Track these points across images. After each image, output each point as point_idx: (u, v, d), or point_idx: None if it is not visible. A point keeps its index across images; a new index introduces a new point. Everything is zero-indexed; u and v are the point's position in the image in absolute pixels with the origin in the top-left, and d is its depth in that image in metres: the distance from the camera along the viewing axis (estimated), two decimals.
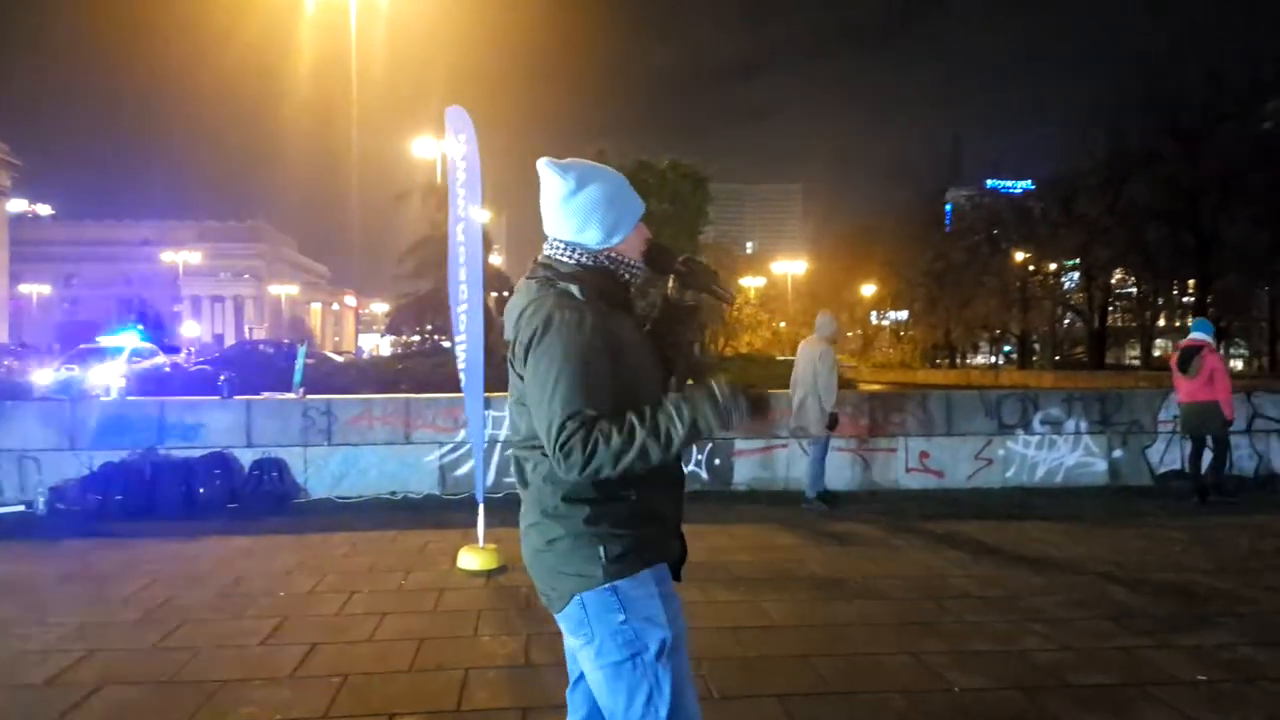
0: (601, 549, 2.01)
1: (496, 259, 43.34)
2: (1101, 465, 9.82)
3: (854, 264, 63.86)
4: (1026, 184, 59.69)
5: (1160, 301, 48.91)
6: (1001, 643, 4.56)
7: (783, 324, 63.68)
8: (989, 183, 62.91)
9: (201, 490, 8.36)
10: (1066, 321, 51.88)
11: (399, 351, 35.83)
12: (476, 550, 6.09)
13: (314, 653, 4.42)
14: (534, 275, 2.12)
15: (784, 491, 9.01)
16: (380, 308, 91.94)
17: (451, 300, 6.29)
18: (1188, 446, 9.07)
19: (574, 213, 2.09)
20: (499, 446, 8.93)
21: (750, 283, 61.25)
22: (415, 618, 5.02)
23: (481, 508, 6.25)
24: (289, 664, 4.25)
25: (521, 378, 2.04)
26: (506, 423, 8.92)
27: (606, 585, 2.01)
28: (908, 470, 9.72)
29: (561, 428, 1.89)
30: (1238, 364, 54.52)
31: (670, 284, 2.28)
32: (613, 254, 2.13)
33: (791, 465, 9.26)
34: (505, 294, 40.75)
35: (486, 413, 8.47)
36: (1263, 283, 31.74)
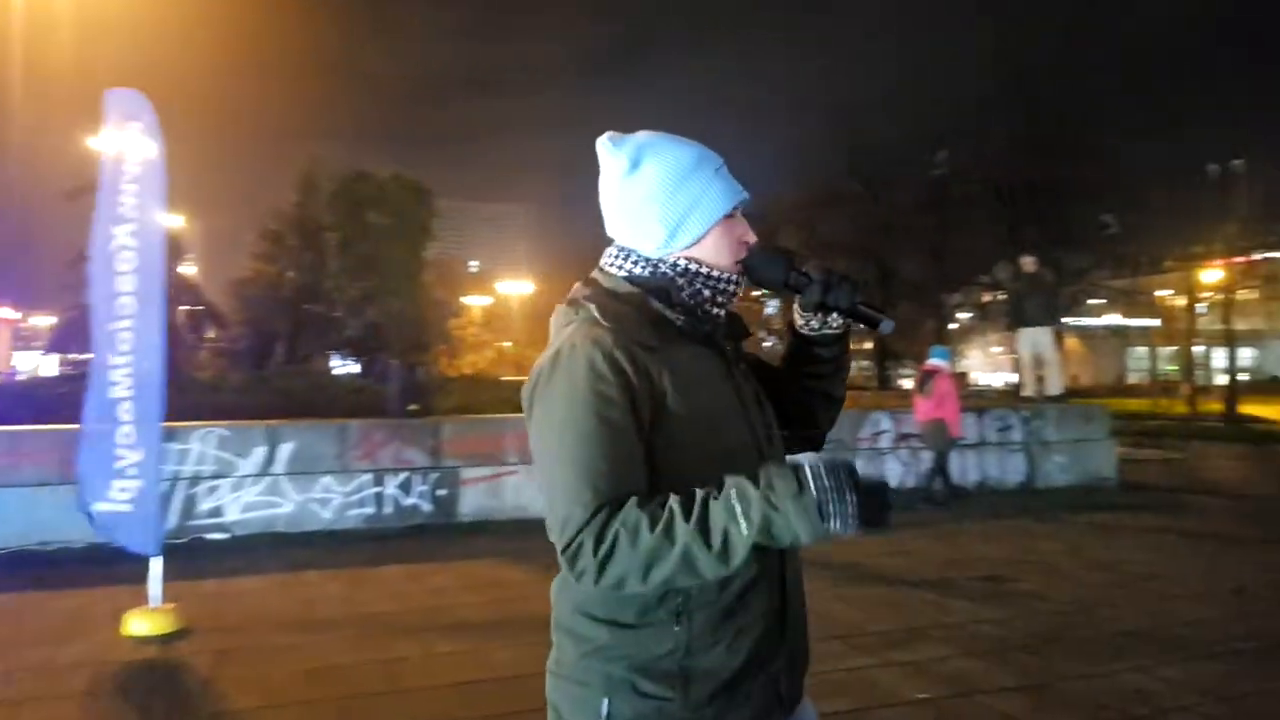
0: (604, 704, 1.38)
1: (189, 269, 39.28)
2: None
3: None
4: None
5: None
6: None
7: (508, 344, 63.39)
8: None
9: None
10: (768, 345, 56.19)
11: (67, 372, 31.32)
12: (148, 613, 5.11)
13: None
14: (571, 294, 1.55)
15: (514, 522, 8.61)
16: (45, 321, 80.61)
17: (104, 315, 5.28)
18: (929, 460, 9.89)
19: (627, 204, 1.52)
20: (182, 484, 7.76)
21: (475, 301, 60.46)
22: (65, 705, 4.06)
23: (157, 560, 5.25)
24: None
25: None
26: (193, 456, 7.85)
27: None
28: None
29: (565, 523, 1.31)
30: (906, 383, 61.76)
31: (795, 304, 1.62)
32: (682, 261, 1.51)
33: (521, 493, 8.87)
34: (200, 308, 37.31)
35: (168, 445, 7.35)
36: (928, 313, 36.09)
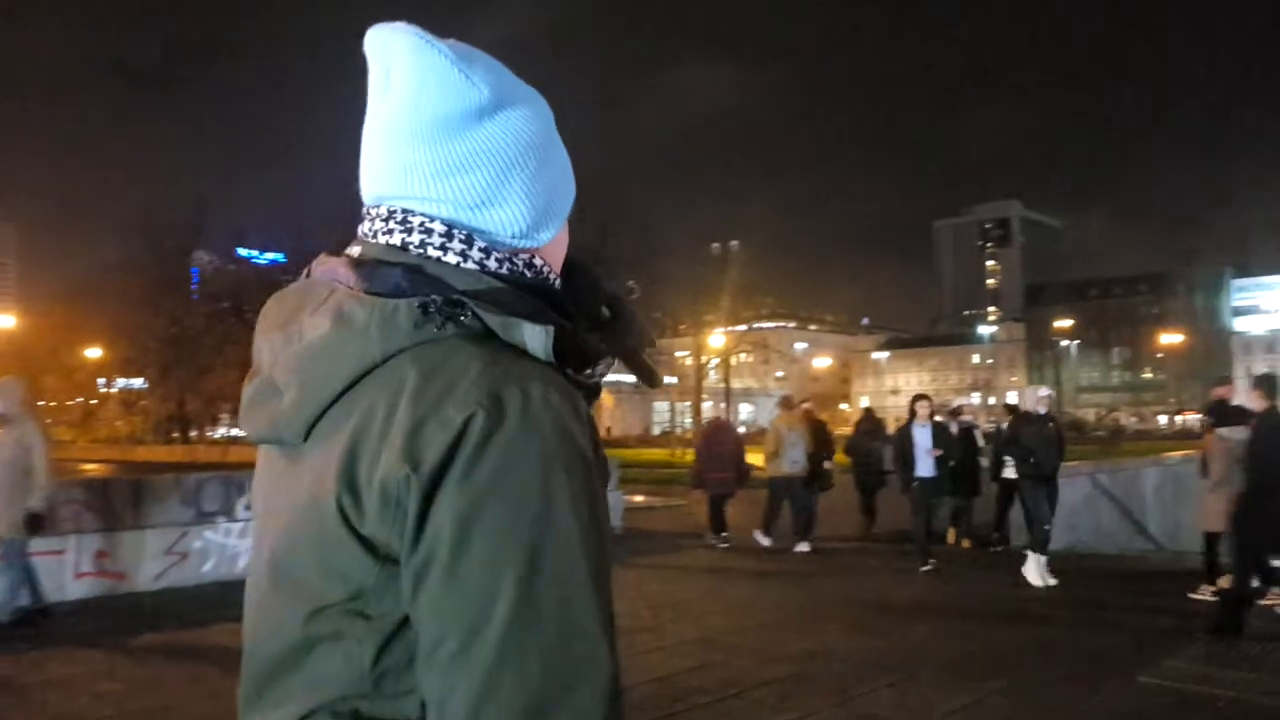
0: None
1: None
2: None
3: (76, 322, 55.95)
4: (279, 256, 59.93)
5: None
6: None
7: None
8: (240, 251, 61.52)
9: None
10: None
11: None
12: None
13: None
14: (381, 285, 0.83)
15: None
16: None
17: None
18: None
19: (476, 162, 0.87)
20: None
21: None
22: None
23: None
24: None
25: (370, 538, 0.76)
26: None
27: None
28: (77, 575, 7.84)
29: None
30: None
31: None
32: (537, 261, 0.93)
33: None
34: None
35: None
36: None
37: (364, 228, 0.92)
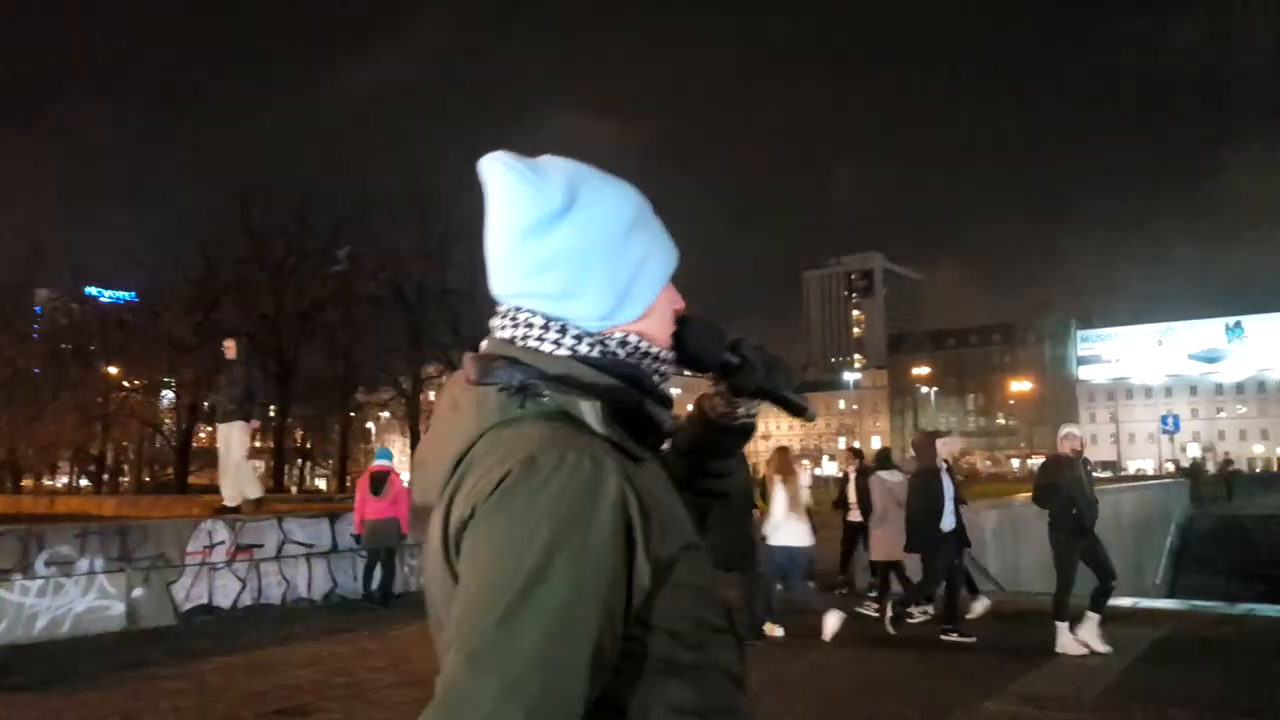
0: None
1: None
2: (119, 608, 8.44)
3: None
4: (129, 295, 56.77)
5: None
6: None
7: None
8: (88, 289, 57.98)
9: None
10: (158, 442, 49.94)
11: None
12: None
13: None
14: (487, 376, 1.03)
15: None
16: None
17: None
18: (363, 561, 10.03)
19: (558, 258, 1.05)
20: None
21: None
22: None
23: None
24: None
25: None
26: None
27: None
28: None
29: None
30: (321, 483, 59.51)
31: (715, 387, 1.25)
32: (630, 338, 1.09)
33: None
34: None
35: None
36: (333, 409, 35.32)
37: (493, 321, 1.11)
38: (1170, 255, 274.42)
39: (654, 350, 1.10)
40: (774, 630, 7.82)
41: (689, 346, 1.15)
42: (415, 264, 30.40)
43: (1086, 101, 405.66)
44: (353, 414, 41.84)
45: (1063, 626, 7.15)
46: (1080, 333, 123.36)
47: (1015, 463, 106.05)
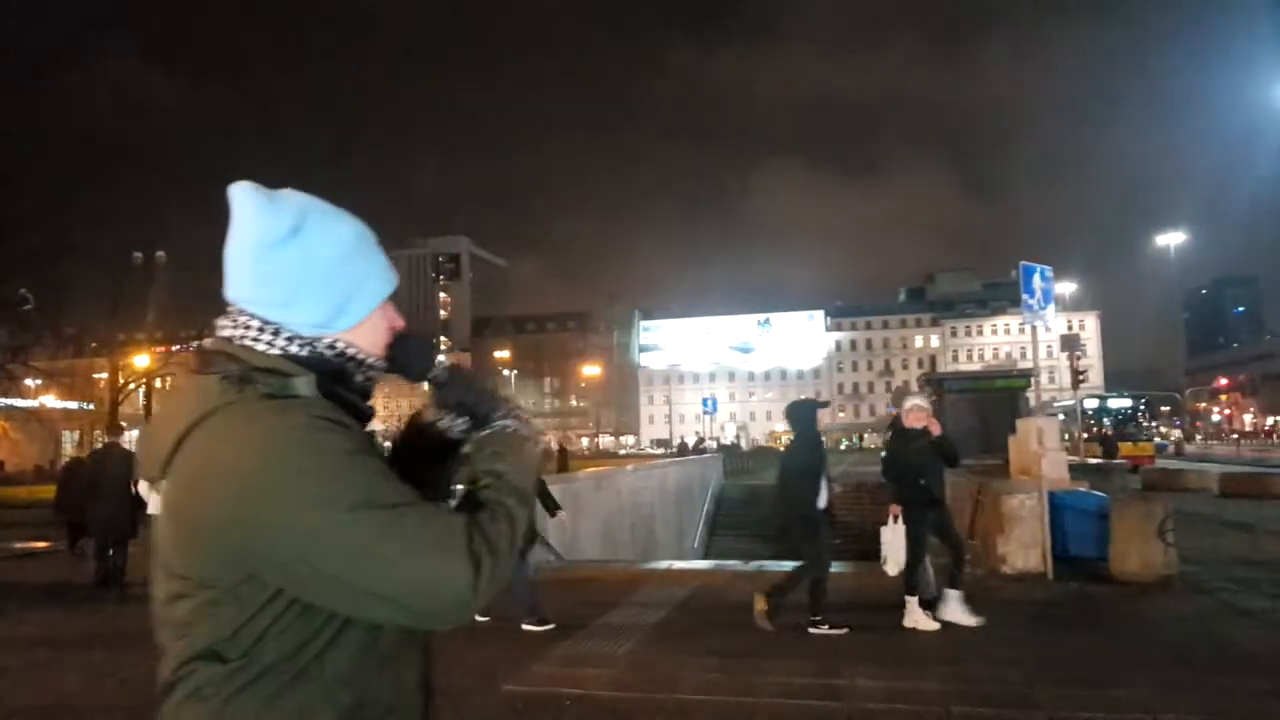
0: None
1: None
2: None
3: None
4: None
5: None
6: None
7: None
8: None
9: None
10: None
11: None
12: None
13: None
14: (208, 368, 1.25)
15: None
16: None
17: None
18: None
19: (282, 274, 1.27)
20: None
21: None
22: None
23: None
24: None
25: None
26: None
27: None
28: None
29: (442, 569, 1.13)
30: None
31: (431, 401, 1.47)
32: (339, 344, 1.32)
33: None
34: None
35: None
36: None
37: (219, 320, 1.31)
38: (712, 258, 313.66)
39: (360, 356, 1.33)
40: None
41: (398, 359, 1.38)
42: None
43: (654, 131, 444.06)
44: None
45: (912, 601, 7.11)
46: (643, 323, 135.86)
47: (585, 441, 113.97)
